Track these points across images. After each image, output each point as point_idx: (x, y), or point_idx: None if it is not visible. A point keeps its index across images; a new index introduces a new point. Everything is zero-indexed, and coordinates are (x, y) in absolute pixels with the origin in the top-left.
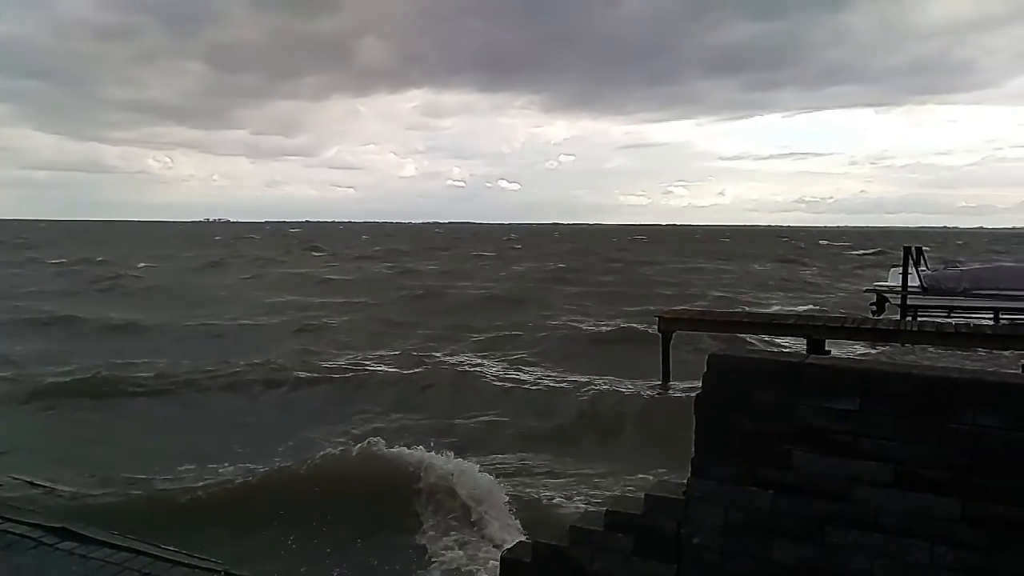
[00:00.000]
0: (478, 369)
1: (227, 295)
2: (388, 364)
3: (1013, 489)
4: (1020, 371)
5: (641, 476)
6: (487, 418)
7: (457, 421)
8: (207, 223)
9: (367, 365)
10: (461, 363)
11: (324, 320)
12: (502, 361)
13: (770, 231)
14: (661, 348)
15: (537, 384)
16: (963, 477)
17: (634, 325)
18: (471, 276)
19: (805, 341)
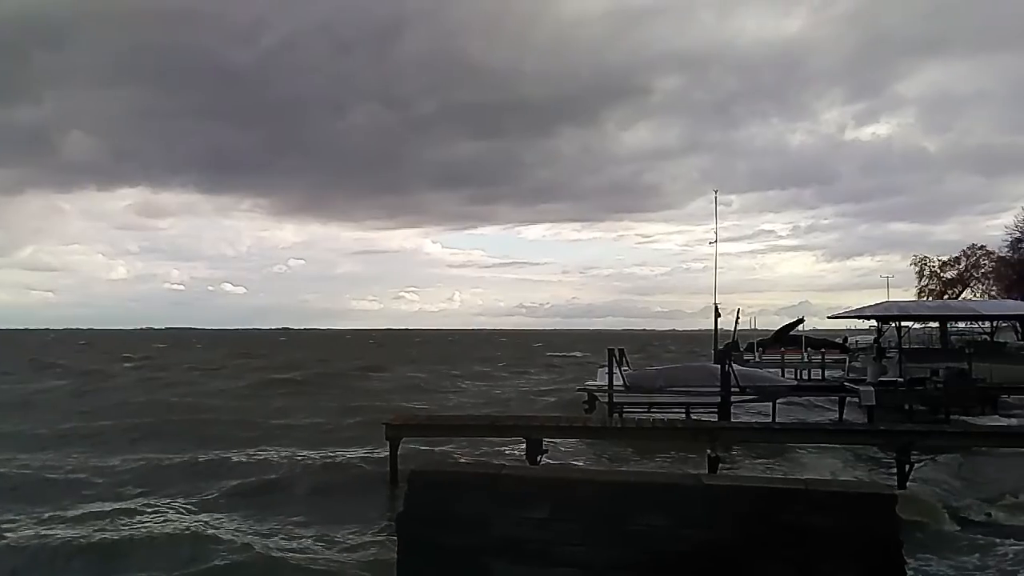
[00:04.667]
0: None
1: None
2: None
3: None
4: (707, 461)
5: None
6: None
7: None
8: None
9: None
10: None
11: None
12: None
13: (495, 334)
14: (389, 455)
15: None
16: None
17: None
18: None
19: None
